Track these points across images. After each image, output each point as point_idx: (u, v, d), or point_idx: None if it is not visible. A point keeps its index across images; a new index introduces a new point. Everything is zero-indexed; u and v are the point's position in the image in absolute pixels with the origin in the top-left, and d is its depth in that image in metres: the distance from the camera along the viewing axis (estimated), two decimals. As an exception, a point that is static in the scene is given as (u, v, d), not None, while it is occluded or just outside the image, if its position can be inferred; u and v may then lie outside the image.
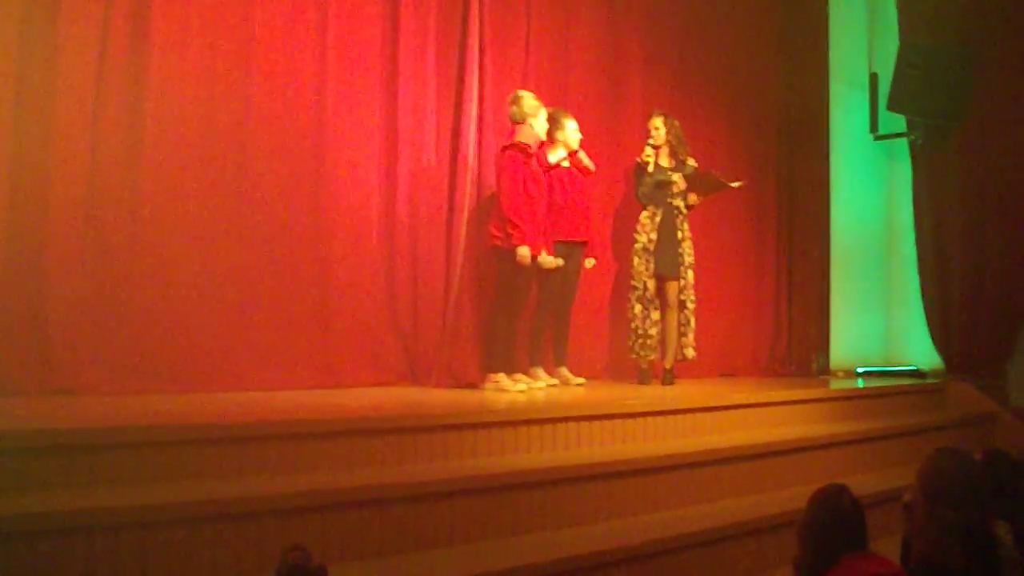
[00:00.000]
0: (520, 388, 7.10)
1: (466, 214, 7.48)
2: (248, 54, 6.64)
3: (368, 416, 5.31)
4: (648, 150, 8.05)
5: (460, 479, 4.87)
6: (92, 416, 5.04)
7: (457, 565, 4.51)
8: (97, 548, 3.74)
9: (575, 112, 7.97)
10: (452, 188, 7.57)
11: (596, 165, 7.98)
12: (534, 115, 7.35)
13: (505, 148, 7.22)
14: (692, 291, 8.05)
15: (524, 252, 7.11)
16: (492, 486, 4.94)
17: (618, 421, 6.13)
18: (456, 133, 7.63)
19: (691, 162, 8.12)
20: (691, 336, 8.02)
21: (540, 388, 7.35)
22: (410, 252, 7.44)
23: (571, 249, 7.75)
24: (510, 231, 7.09)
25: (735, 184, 8.14)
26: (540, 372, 7.58)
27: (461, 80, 7.66)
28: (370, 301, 7.21)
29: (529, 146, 7.24)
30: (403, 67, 7.41)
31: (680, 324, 8.01)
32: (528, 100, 7.34)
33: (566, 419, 5.84)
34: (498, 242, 7.17)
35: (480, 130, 7.68)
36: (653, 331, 7.88)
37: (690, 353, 8.04)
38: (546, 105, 7.53)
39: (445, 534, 4.72)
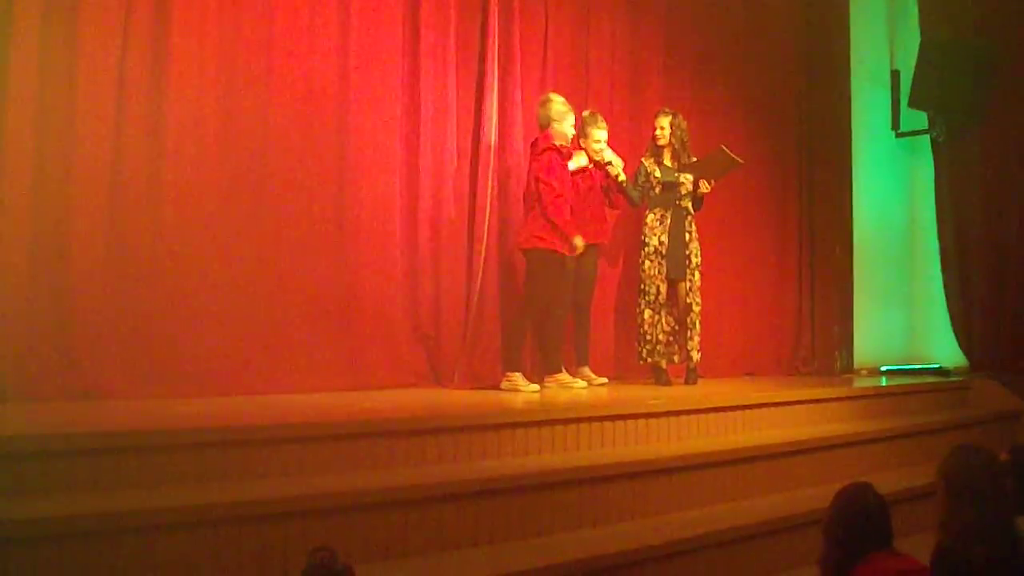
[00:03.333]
0: (533, 389, 7.04)
1: (487, 216, 7.54)
2: (268, 64, 6.66)
3: (391, 418, 5.32)
4: (651, 151, 7.91)
5: (484, 480, 4.89)
6: (116, 420, 5.09)
7: (482, 565, 4.52)
8: (123, 551, 3.76)
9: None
10: (473, 191, 7.62)
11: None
12: (559, 120, 7.32)
13: (545, 150, 7.22)
14: (698, 293, 7.84)
15: (579, 242, 7.31)
16: (516, 486, 4.94)
17: (641, 421, 6.13)
18: (477, 137, 7.68)
19: (694, 159, 7.89)
20: (697, 339, 7.80)
21: (581, 387, 7.37)
22: (432, 255, 7.45)
23: (587, 250, 7.71)
24: (560, 227, 7.16)
25: (739, 159, 7.82)
26: (564, 376, 7.47)
27: (481, 83, 7.71)
28: (392, 303, 7.21)
29: (564, 147, 7.31)
30: (424, 71, 7.43)
31: (687, 327, 7.81)
32: (556, 105, 7.34)
33: (589, 419, 5.84)
34: (540, 243, 7.18)
35: (500, 133, 7.71)
36: (662, 336, 7.72)
37: (695, 356, 7.83)
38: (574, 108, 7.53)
39: (470, 534, 4.73)
